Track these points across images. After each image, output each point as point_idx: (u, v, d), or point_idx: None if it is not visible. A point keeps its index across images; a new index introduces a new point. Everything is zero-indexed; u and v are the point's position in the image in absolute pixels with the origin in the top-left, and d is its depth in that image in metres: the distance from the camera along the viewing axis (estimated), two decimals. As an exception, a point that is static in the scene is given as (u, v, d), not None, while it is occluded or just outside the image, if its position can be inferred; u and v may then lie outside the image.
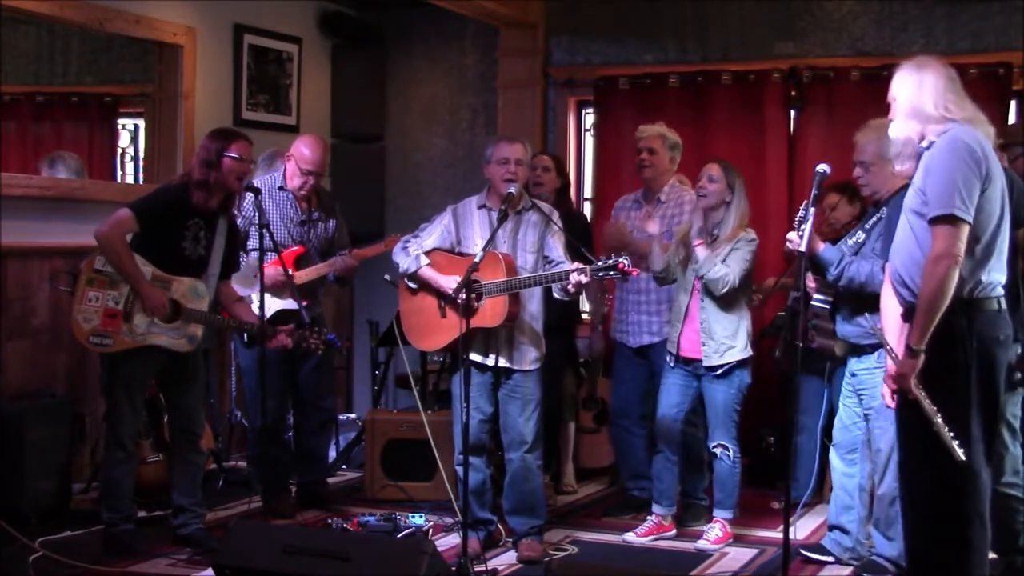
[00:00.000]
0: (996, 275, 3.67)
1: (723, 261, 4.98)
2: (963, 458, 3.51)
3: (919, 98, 3.68)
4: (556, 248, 4.85)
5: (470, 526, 4.90)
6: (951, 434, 3.52)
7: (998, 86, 6.26)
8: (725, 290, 4.96)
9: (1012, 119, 6.34)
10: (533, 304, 4.86)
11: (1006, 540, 4.24)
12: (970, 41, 6.44)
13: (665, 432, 5.17)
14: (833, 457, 4.89)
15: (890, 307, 3.87)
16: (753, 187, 6.36)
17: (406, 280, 4.99)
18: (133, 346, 4.72)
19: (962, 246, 3.55)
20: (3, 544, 4.76)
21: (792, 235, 4.43)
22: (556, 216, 4.97)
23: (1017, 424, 4.20)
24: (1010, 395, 4.13)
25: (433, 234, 4.96)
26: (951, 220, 3.54)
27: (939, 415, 3.55)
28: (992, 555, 4.32)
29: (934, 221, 3.57)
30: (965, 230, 3.56)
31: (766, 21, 6.86)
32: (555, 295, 4.83)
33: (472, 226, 4.90)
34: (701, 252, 5.01)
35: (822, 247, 4.54)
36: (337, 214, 5.66)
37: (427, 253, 4.92)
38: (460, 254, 4.90)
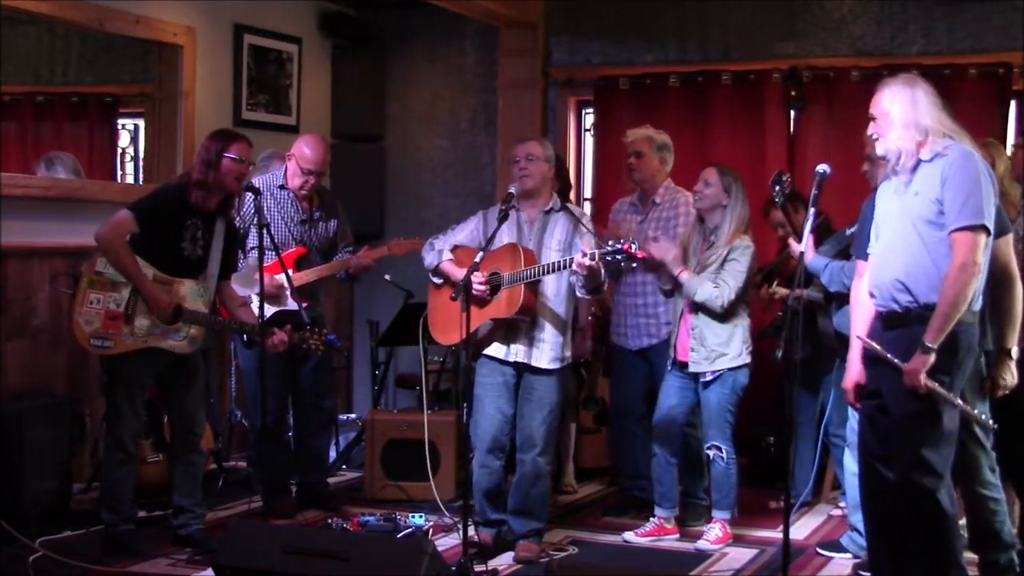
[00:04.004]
0: (979, 289, 3.82)
1: (718, 271, 4.97)
2: (994, 426, 3.91)
3: (915, 112, 3.81)
4: (584, 247, 4.82)
5: (484, 524, 4.93)
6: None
7: (998, 86, 6.26)
8: (721, 308, 4.95)
9: (1012, 119, 6.35)
10: (555, 303, 4.83)
11: (986, 539, 4.28)
12: (970, 41, 6.44)
13: (662, 434, 5.16)
14: (847, 458, 4.91)
15: (864, 303, 4.01)
16: (753, 187, 6.35)
17: (431, 275, 5.03)
18: (134, 348, 4.72)
19: (983, 255, 3.71)
20: (3, 544, 4.76)
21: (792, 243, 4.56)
22: (587, 219, 4.98)
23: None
24: (980, 398, 4.21)
25: (461, 233, 5.01)
26: (977, 229, 3.68)
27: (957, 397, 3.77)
28: (972, 555, 4.35)
29: (959, 230, 3.68)
30: (987, 240, 3.72)
31: (766, 21, 6.86)
32: (578, 293, 4.82)
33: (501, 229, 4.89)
34: (684, 277, 4.97)
35: (810, 257, 4.59)
36: (339, 213, 5.67)
37: (453, 249, 4.95)
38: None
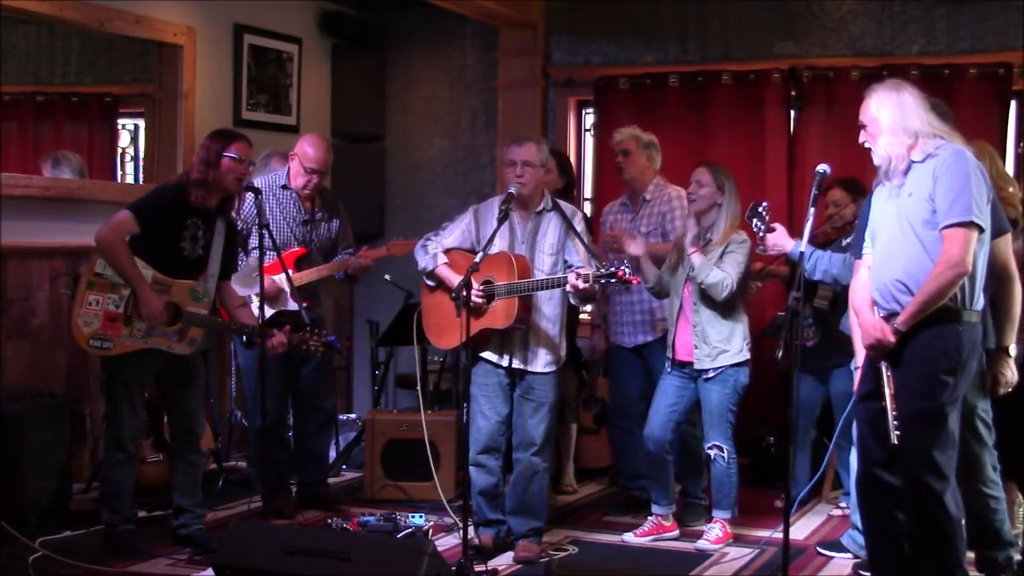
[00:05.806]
0: (980, 288, 3.84)
1: (718, 265, 4.98)
2: (895, 441, 3.75)
3: (904, 116, 3.83)
4: (575, 252, 4.84)
5: (484, 525, 4.94)
6: (893, 415, 3.76)
7: (998, 86, 6.26)
8: (725, 294, 4.94)
9: (1012, 119, 6.35)
10: (548, 307, 4.85)
11: (987, 537, 4.29)
12: (970, 41, 6.44)
13: (658, 433, 5.15)
14: (852, 458, 4.90)
15: (863, 304, 4.00)
16: (753, 187, 6.37)
17: (424, 278, 5.02)
18: (133, 349, 4.72)
19: (974, 253, 3.71)
20: (3, 544, 4.77)
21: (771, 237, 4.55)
22: (578, 218, 4.98)
23: (989, 419, 4.25)
24: (982, 395, 4.22)
25: (453, 233, 4.99)
26: (968, 226, 3.68)
27: (891, 396, 3.77)
28: (969, 552, 4.36)
29: (950, 226, 3.68)
30: (979, 237, 3.72)
31: (766, 21, 6.86)
32: (571, 301, 4.85)
33: (492, 226, 4.88)
34: (696, 259, 4.98)
35: (791, 245, 4.59)
36: (340, 213, 5.67)
37: (447, 252, 4.95)
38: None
